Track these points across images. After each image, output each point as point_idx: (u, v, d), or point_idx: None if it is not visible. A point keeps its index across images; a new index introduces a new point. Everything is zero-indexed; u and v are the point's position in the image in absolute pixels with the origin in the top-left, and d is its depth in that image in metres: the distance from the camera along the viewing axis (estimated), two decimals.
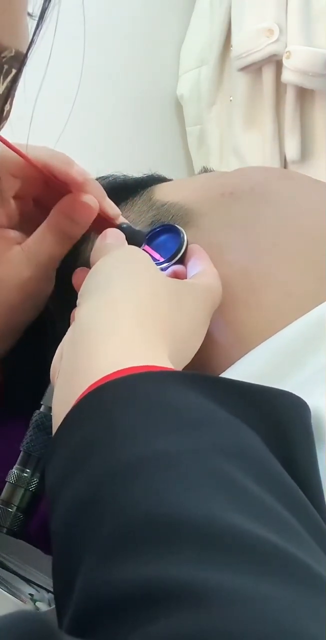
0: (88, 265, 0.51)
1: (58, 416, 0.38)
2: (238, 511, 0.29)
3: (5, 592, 0.48)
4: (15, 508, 0.48)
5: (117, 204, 0.63)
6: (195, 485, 0.30)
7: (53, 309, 0.59)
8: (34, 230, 0.56)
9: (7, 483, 0.49)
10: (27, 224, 0.55)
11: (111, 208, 0.54)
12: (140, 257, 0.48)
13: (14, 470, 0.49)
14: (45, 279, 0.54)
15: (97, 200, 0.53)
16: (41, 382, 0.50)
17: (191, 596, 0.25)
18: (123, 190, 0.64)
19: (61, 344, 0.43)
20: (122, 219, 0.55)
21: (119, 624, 0.25)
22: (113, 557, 0.28)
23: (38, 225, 0.56)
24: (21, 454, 0.50)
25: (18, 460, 0.49)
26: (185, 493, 0.29)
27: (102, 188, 0.54)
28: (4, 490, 0.49)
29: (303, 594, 0.26)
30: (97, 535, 0.29)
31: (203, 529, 0.27)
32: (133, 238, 0.54)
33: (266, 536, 0.28)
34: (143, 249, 0.54)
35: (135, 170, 0.67)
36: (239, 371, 0.50)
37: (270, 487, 0.31)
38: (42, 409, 0.50)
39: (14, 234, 0.54)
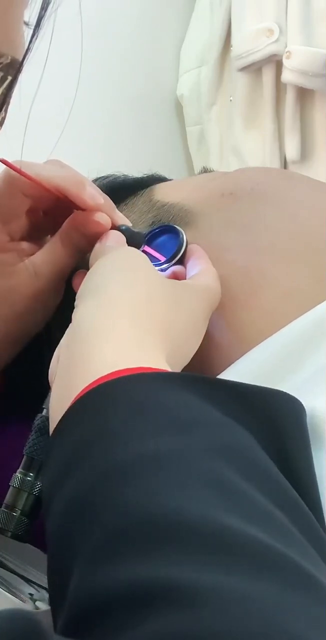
0: (88, 267, 0.51)
1: (54, 419, 0.38)
2: (230, 511, 0.29)
3: (5, 592, 0.48)
4: (19, 512, 0.48)
5: (117, 203, 0.63)
6: (187, 486, 0.30)
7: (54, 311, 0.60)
8: (43, 237, 0.56)
9: (11, 487, 0.49)
10: (36, 232, 0.56)
11: (121, 220, 0.55)
12: (138, 259, 0.48)
13: (18, 474, 0.49)
14: (54, 290, 0.54)
15: (108, 214, 0.53)
16: (42, 382, 0.50)
17: (181, 597, 0.25)
18: (123, 190, 0.64)
19: (58, 346, 0.44)
20: (121, 220, 0.55)
21: (110, 625, 0.25)
22: (105, 559, 0.28)
23: (47, 233, 0.56)
24: (24, 458, 0.50)
25: (21, 464, 0.49)
26: (176, 493, 0.29)
27: (112, 202, 0.54)
28: (8, 494, 0.49)
29: (293, 593, 0.26)
30: (90, 536, 0.29)
31: (195, 529, 0.28)
32: (133, 239, 0.54)
33: (258, 536, 0.28)
34: (142, 250, 0.54)
35: (135, 170, 0.67)
36: (238, 371, 0.50)
37: (263, 487, 0.31)
38: (44, 412, 0.50)
39: (25, 245, 0.54)
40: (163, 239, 0.56)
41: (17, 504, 0.48)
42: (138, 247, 0.54)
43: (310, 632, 0.24)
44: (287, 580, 0.26)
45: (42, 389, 0.50)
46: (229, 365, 0.51)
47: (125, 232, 0.54)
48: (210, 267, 0.53)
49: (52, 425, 0.38)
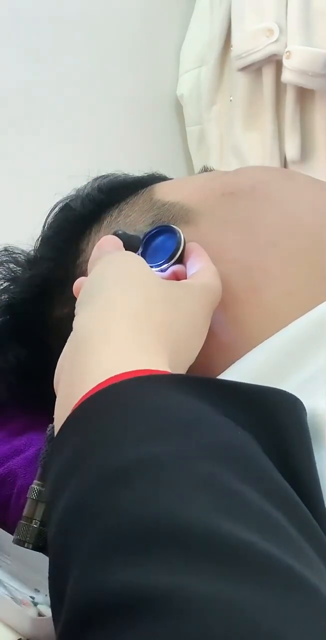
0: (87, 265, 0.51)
1: (58, 427, 0.38)
2: (224, 514, 0.28)
3: (6, 595, 0.48)
4: (38, 523, 0.49)
5: (117, 202, 0.62)
6: (181, 489, 0.30)
7: (62, 316, 0.60)
8: None
9: (29, 499, 0.49)
10: None
11: None
12: (134, 262, 0.48)
13: (34, 486, 0.49)
14: None
15: None
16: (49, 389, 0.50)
17: (165, 604, 0.25)
18: (123, 189, 0.64)
19: (62, 354, 0.44)
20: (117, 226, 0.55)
21: (100, 632, 0.25)
22: (98, 564, 0.28)
23: None
24: (39, 469, 0.50)
25: (37, 476, 0.50)
26: (169, 497, 0.29)
27: None
28: (26, 506, 0.50)
29: (282, 597, 0.25)
30: (85, 541, 0.29)
31: (185, 534, 0.27)
32: (130, 243, 0.53)
33: (250, 539, 0.27)
34: (140, 253, 0.54)
35: (135, 169, 0.67)
36: (239, 370, 0.50)
37: (260, 487, 0.31)
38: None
39: None
40: (161, 240, 0.56)
41: (35, 515, 0.49)
42: (135, 251, 0.53)
43: (296, 637, 0.24)
44: (277, 584, 0.26)
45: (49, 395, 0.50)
46: (231, 363, 0.51)
47: (122, 236, 0.53)
48: (209, 264, 0.52)
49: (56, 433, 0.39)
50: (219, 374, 0.51)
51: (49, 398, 0.45)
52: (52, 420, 0.50)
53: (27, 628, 0.46)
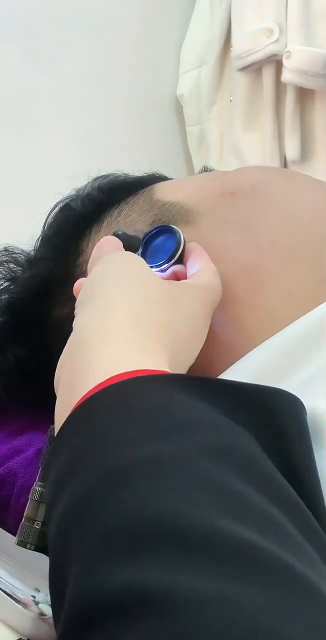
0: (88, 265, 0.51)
1: (58, 427, 0.38)
2: (224, 513, 0.28)
3: (6, 595, 0.48)
4: (40, 524, 0.49)
5: (118, 202, 0.62)
6: (180, 489, 0.30)
7: (62, 316, 0.60)
8: None
9: (31, 500, 0.49)
10: None
11: None
12: (134, 262, 0.48)
13: (36, 487, 0.49)
14: None
15: None
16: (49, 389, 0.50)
17: (166, 602, 0.25)
18: (123, 189, 0.64)
19: (62, 354, 0.44)
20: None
21: (100, 632, 0.25)
22: (97, 565, 0.28)
23: None
24: (40, 470, 0.50)
25: (38, 477, 0.50)
26: (168, 497, 0.29)
27: None
28: (28, 507, 0.49)
29: (283, 596, 0.25)
30: (83, 543, 0.29)
31: (185, 533, 0.27)
32: (130, 243, 0.53)
33: (251, 538, 0.27)
34: (140, 253, 0.54)
35: (135, 169, 0.67)
36: (240, 370, 0.50)
37: (260, 486, 0.31)
38: None
39: None
40: (161, 240, 0.56)
41: (37, 516, 0.49)
42: (135, 251, 0.53)
43: (295, 635, 0.24)
44: (277, 583, 0.26)
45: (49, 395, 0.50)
46: (231, 363, 0.51)
47: (122, 236, 0.53)
48: (209, 264, 0.52)
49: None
50: (219, 374, 0.51)
51: (49, 398, 0.44)
52: (52, 420, 0.50)
53: (27, 628, 0.46)
